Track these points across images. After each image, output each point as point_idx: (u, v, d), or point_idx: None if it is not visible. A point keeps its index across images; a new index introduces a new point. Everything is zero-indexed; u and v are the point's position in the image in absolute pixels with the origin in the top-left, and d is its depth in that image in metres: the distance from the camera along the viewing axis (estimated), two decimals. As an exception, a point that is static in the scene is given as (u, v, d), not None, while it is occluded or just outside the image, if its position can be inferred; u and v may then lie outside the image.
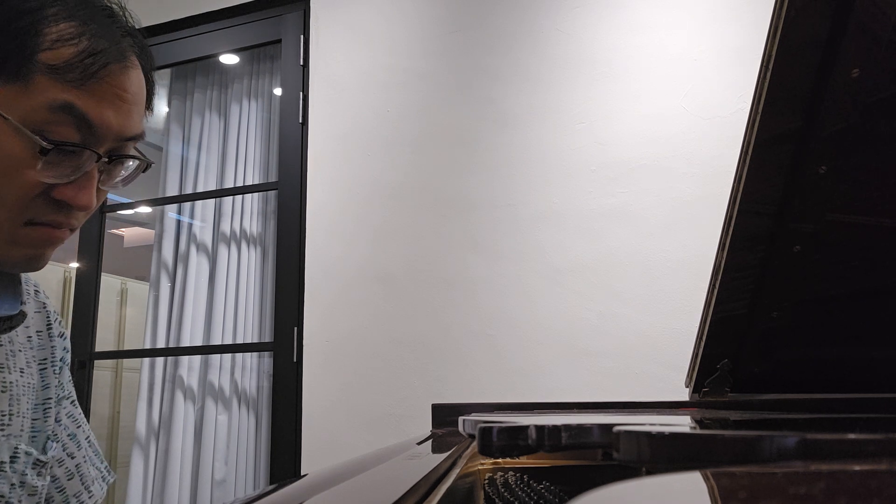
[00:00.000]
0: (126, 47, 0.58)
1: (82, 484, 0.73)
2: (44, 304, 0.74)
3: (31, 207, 0.56)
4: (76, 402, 0.78)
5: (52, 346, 0.73)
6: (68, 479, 0.72)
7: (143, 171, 0.65)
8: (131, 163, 0.62)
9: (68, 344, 0.76)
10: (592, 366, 1.82)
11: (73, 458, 0.73)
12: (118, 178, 0.63)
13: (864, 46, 0.60)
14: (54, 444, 0.70)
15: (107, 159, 0.59)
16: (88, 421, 2.48)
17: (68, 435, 0.74)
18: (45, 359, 0.71)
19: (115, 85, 0.57)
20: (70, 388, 0.77)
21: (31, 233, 0.57)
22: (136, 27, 0.62)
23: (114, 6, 0.60)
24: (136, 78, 0.59)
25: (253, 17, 2.49)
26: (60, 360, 0.74)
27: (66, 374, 0.76)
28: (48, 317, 0.74)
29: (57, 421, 0.72)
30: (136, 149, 0.62)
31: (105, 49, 0.56)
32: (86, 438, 0.77)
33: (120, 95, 0.57)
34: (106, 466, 0.80)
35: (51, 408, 0.71)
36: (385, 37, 2.26)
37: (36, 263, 0.59)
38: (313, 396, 2.08)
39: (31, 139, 0.53)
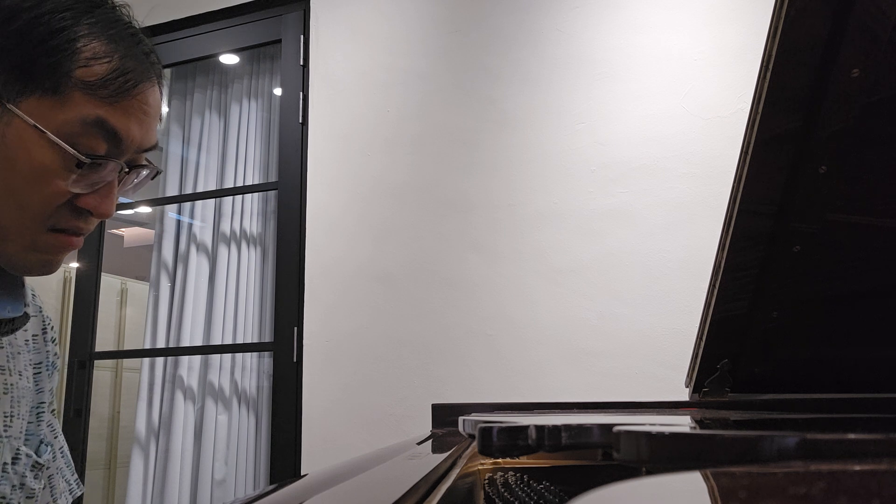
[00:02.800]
0: (149, 66, 0.61)
1: (51, 496, 0.73)
2: (39, 308, 0.75)
3: (55, 215, 0.58)
4: (55, 412, 0.78)
5: (47, 351, 0.74)
6: (41, 489, 0.71)
7: (152, 179, 0.67)
8: (144, 171, 0.65)
9: (59, 350, 0.77)
10: (592, 366, 1.82)
11: (47, 468, 0.73)
12: (130, 186, 0.65)
13: (864, 46, 0.60)
14: (48, 448, 0.71)
15: (127, 170, 0.62)
16: (88, 421, 2.48)
17: (46, 444, 0.74)
18: (40, 363, 0.72)
19: (142, 101, 0.60)
20: (52, 397, 0.77)
21: (52, 239, 0.59)
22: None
23: (135, 24, 0.63)
24: (156, 94, 0.63)
25: (253, 17, 2.49)
26: (52, 366, 0.75)
27: (55, 380, 0.76)
28: (43, 321, 0.75)
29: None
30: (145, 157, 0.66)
31: (135, 68, 0.59)
32: (59, 449, 0.77)
33: (144, 111, 0.60)
34: (76, 479, 0.79)
35: (44, 412, 0.71)
36: (385, 37, 2.26)
37: (50, 268, 0.61)
38: (313, 396, 2.08)
39: (66, 152, 0.55)
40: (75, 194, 0.58)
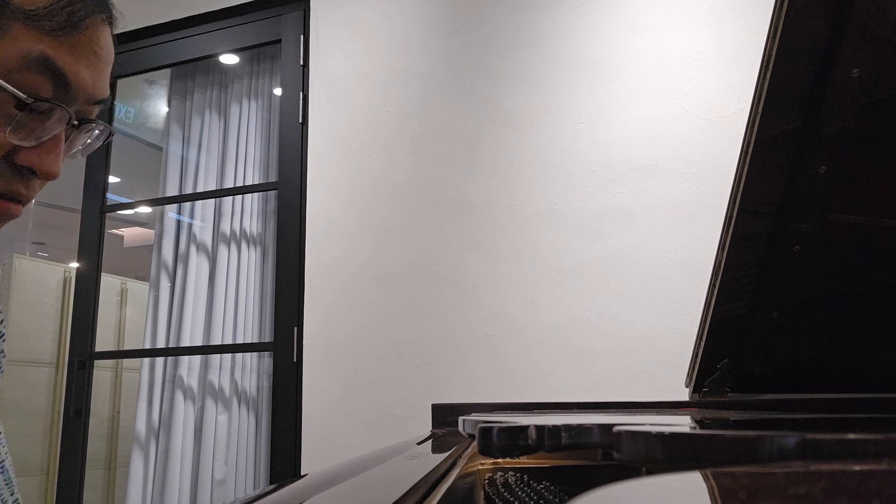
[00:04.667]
0: (101, 1, 0.52)
1: None
2: None
3: None
4: None
5: None
6: None
7: (104, 142, 0.57)
8: (96, 130, 0.55)
9: (4, 346, 0.65)
10: (592, 366, 1.82)
11: None
12: (79, 146, 0.55)
13: (864, 46, 0.60)
14: None
15: (76, 123, 0.52)
16: (88, 421, 2.37)
17: None
18: None
19: (93, 40, 0.50)
20: None
21: None
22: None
23: None
24: (109, 35, 0.53)
25: (253, 17, 2.49)
26: None
27: None
28: None
29: None
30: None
31: (84, 0, 0.49)
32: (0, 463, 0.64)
33: (96, 52, 0.51)
34: (15, 500, 0.64)
35: None
36: (385, 37, 2.26)
37: None
38: (313, 396, 2.08)
39: (4, 93, 0.46)
40: (13, 150, 0.48)
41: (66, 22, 0.47)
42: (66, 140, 0.52)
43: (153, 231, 2.80)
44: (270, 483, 2.16)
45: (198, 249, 2.55)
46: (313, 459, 2.04)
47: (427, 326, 2.00)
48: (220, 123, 2.69)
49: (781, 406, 0.84)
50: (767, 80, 0.62)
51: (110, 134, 0.57)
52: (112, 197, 2.63)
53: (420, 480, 0.37)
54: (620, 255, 1.86)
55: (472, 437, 0.65)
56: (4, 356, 0.64)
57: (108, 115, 2.62)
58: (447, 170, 2.09)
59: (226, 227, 2.55)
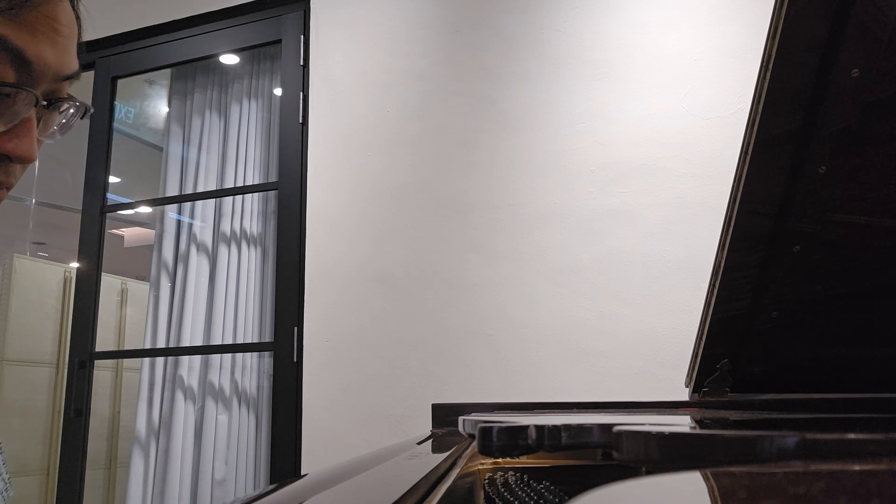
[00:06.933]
0: None
1: None
2: None
3: None
4: None
5: None
6: None
7: (82, 118, 0.56)
8: (71, 109, 0.54)
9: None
10: (592, 366, 1.82)
11: None
12: (55, 126, 0.55)
13: (864, 46, 0.60)
14: None
15: (45, 103, 0.51)
16: (88, 421, 2.38)
17: None
18: None
19: (49, 16, 0.48)
20: None
21: None
22: None
23: None
24: (66, 8, 0.51)
25: (253, 17, 2.49)
26: None
27: None
28: None
29: None
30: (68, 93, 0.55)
31: None
32: None
33: (55, 28, 0.49)
34: (7, 478, 0.64)
35: None
36: (385, 37, 2.26)
37: None
38: (313, 396, 2.08)
39: None
40: None
41: (16, 0, 0.45)
42: (38, 122, 0.51)
43: (153, 231, 2.80)
44: (270, 483, 2.16)
45: (198, 249, 2.55)
46: (313, 459, 2.04)
47: (427, 326, 2.00)
48: (220, 123, 2.69)
49: (781, 406, 0.84)
50: (767, 80, 0.62)
51: (87, 110, 0.55)
52: (112, 197, 2.63)
53: (420, 480, 0.37)
54: (620, 255, 1.86)
55: (472, 436, 0.65)
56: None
57: (109, 115, 2.62)
58: (447, 170, 2.09)
59: (226, 227, 2.55)
